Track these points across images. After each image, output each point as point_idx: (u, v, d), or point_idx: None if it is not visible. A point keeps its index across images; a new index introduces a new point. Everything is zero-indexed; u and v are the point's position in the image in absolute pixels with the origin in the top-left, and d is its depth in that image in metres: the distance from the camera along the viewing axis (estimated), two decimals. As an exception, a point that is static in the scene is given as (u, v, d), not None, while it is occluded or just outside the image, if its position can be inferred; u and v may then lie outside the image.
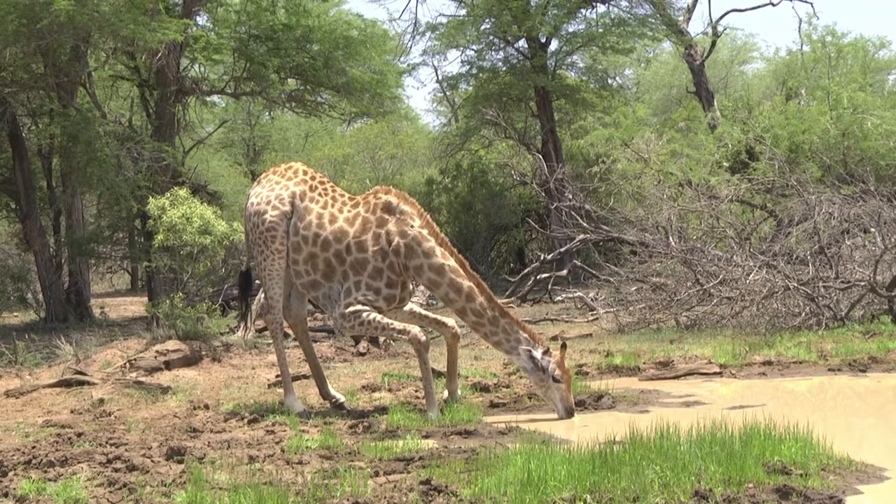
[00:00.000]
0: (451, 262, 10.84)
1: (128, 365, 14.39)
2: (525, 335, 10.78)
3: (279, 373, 11.97)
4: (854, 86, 28.67)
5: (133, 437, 9.87)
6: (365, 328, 10.84)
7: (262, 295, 11.89)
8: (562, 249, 25.96)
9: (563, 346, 10.81)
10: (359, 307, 10.72)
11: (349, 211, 11.13)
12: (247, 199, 11.70)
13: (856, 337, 14.97)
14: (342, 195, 11.37)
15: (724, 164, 25.62)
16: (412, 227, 10.86)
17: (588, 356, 14.84)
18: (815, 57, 36.87)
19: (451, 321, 11.49)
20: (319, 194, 11.26)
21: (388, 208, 10.99)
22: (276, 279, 11.29)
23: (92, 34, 19.95)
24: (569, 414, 10.48)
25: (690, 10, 35.97)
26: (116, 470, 8.32)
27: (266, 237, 11.17)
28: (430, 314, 11.80)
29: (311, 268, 11.05)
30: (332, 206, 11.18)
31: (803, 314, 16.26)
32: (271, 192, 11.30)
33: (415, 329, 10.73)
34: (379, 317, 10.78)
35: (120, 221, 25.89)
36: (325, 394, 11.53)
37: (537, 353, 10.60)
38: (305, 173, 11.46)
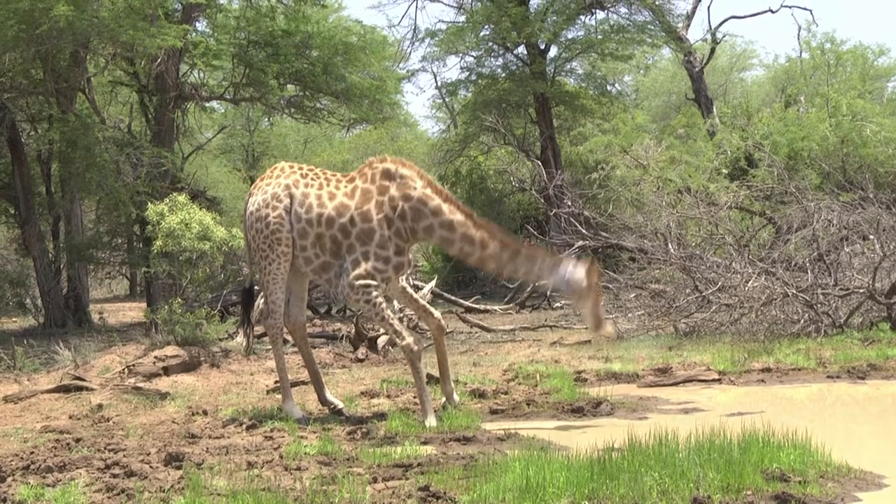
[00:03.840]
0: (459, 215, 10.82)
1: (126, 370, 14.38)
2: (548, 259, 10.83)
3: (278, 379, 11.96)
4: (853, 93, 28.74)
5: (131, 443, 9.86)
6: (368, 308, 10.74)
7: (262, 300, 11.84)
8: (561, 256, 25.93)
9: (591, 259, 10.89)
10: (370, 282, 10.67)
11: (346, 186, 11.10)
12: (245, 209, 11.65)
13: (854, 344, 14.96)
14: (334, 175, 11.36)
15: (723, 170, 25.64)
16: (415, 188, 10.86)
17: (587, 363, 14.84)
18: (815, 64, 36.98)
19: (437, 312, 11.58)
20: (312, 179, 11.23)
21: (388, 175, 10.96)
22: (279, 284, 11.26)
23: (91, 40, 19.97)
24: (599, 325, 10.61)
25: (689, 17, 36.05)
26: (115, 476, 8.32)
27: (271, 240, 11.13)
28: (421, 300, 11.82)
29: (320, 249, 10.99)
30: (328, 185, 11.14)
31: (802, 321, 16.26)
32: (265, 193, 11.28)
33: (409, 338, 10.71)
34: (385, 304, 10.77)
35: (119, 227, 25.94)
36: (323, 400, 11.52)
37: (563, 270, 10.67)
38: (292, 167, 11.46)
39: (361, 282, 10.65)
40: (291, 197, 11.12)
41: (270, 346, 11.96)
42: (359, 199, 10.92)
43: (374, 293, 10.67)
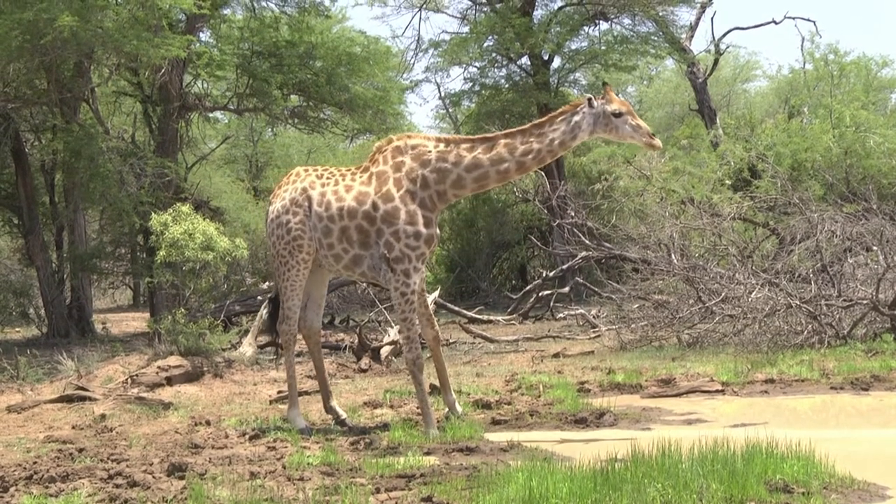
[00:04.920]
0: (478, 148, 10.80)
1: (129, 380, 14.40)
2: (567, 114, 10.76)
3: (282, 388, 11.96)
4: (856, 104, 28.74)
5: (134, 453, 9.87)
6: (401, 301, 10.70)
7: (281, 306, 11.75)
8: (564, 266, 25.97)
9: (604, 85, 10.91)
10: (408, 266, 10.63)
11: (361, 176, 11.09)
12: (266, 217, 11.73)
13: (858, 355, 14.93)
14: (349, 170, 11.38)
15: (727, 181, 25.64)
16: (429, 152, 10.85)
17: (590, 373, 14.83)
18: (818, 75, 36.97)
19: (436, 323, 11.63)
20: (328, 178, 11.23)
21: (399, 151, 10.95)
22: (298, 290, 11.31)
23: (95, 50, 20.00)
24: (651, 136, 10.69)
25: (693, 28, 36.10)
26: (118, 486, 8.32)
27: (292, 246, 11.16)
28: (430, 307, 11.80)
29: (348, 243, 10.95)
30: (344, 180, 11.15)
31: (805, 332, 16.23)
32: (284, 200, 11.31)
33: (416, 351, 10.74)
34: (416, 305, 10.81)
35: (122, 237, 25.94)
36: (328, 408, 11.52)
37: (584, 111, 10.66)
38: (306, 170, 11.51)
39: (401, 266, 10.62)
40: (310, 199, 11.13)
41: (283, 351, 11.91)
42: (376, 183, 10.89)
43: (412, 283, 10.67)
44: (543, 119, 10.97)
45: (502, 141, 10.80)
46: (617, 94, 10.99)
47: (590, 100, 10.69)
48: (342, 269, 11.24)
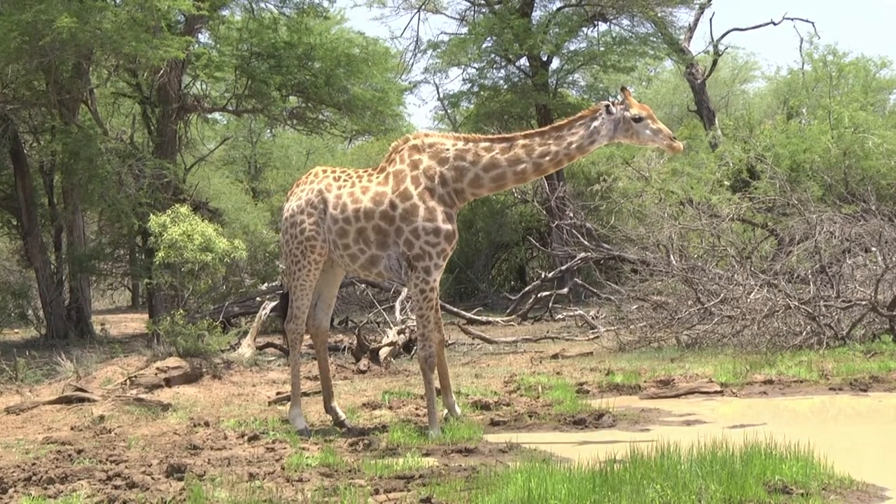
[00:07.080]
0: (495, 148, 10.79)
1: (128, 382, 14.37)
2: (586, 118, 10.73)
3: (281, 389, 11.94)
4: (855, 105, 28.73)
5: (133, 455, 9.86)
6: (420, 298, 10.68)
7: (290, 305, 11.72)
8: (563, 267, 25.98)
9: (623, 90, 10.85)
10: (429, 263, 10.61)
11: (378, 177, 11.07)
12: (281, 214, 11.74)
13: (857, 356, 14.94)
14: (366, 171, 11.36)
15: (726, 182, 25.65)
16: (447, 150, 10.84)
17: (589, 374, 14.83)
18: (817, 76, 36.96)
19: (443, 327, 11.59)
20: (345, 180, 11.20)
21: (417, 149, 10.94)
22: (308, 290, 11.31)
23: (94, 51, 20.00)
24: (672, 139, 10.60)
25: (692, 29, 36.15)
26: (116, 487, 8.32)
27: (305, 247, 11.15)
28: (439, 311, 11.77)
29: (364, 243, 10.92)
30: (361, 181, 11.12)
31: (804, 333, 16.24)
32: (300, 200, 11.31)
33: (431, 349, 10.74)
34: (433, 303, 10.80)
35: (121, 238, 25.92)
36: (328, 408, 11.51)
37: (603, 117, 10.62)
38: (325, 171, 11.48)
39: (422, 263, 10.59)
40: (325, 202, 11.11)
41: (289, 349, 11.88)
42: (393, 182, 10.87)
43: (432, 281, 10.65)
44: (563, 122, 10.96)
45: (520, 142, 10.80)
46: (615, 96, 10.95)
47: (607, 106, 10.66)
48: (358, 268, 11.22)
